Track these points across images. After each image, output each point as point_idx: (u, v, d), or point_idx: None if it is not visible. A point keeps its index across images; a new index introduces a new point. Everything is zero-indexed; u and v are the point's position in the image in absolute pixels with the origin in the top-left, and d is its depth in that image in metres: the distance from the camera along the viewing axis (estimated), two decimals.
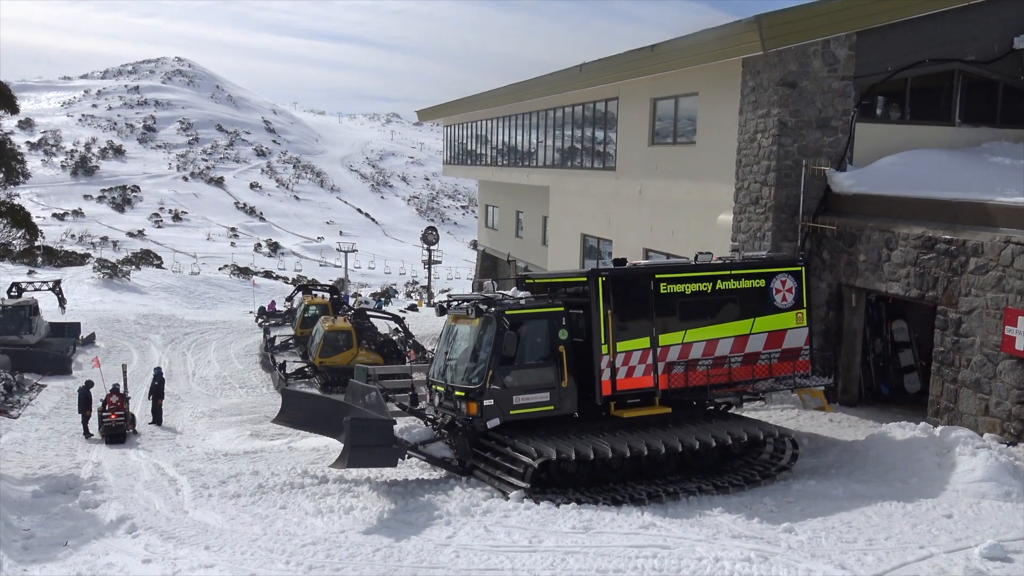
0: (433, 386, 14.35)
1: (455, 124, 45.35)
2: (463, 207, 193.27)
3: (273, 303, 48.70)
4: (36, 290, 39.01)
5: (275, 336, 35.49)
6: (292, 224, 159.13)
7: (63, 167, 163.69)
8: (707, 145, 20.63)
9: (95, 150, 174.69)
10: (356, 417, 12.98)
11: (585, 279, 13.67)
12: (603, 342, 13.24)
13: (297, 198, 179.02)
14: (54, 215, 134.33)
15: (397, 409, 15.91)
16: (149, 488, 15.23)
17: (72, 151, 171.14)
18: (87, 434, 21.15)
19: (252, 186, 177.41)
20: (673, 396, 13.72)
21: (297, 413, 14.88)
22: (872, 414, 16.90)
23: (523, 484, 12.14)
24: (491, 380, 13.06)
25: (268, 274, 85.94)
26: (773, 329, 14.26)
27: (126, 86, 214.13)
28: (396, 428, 13.28)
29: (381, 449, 12.73)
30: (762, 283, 14.30)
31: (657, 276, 13.72)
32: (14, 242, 19.14)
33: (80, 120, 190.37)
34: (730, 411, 15.00)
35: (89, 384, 22.39)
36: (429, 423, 14.39)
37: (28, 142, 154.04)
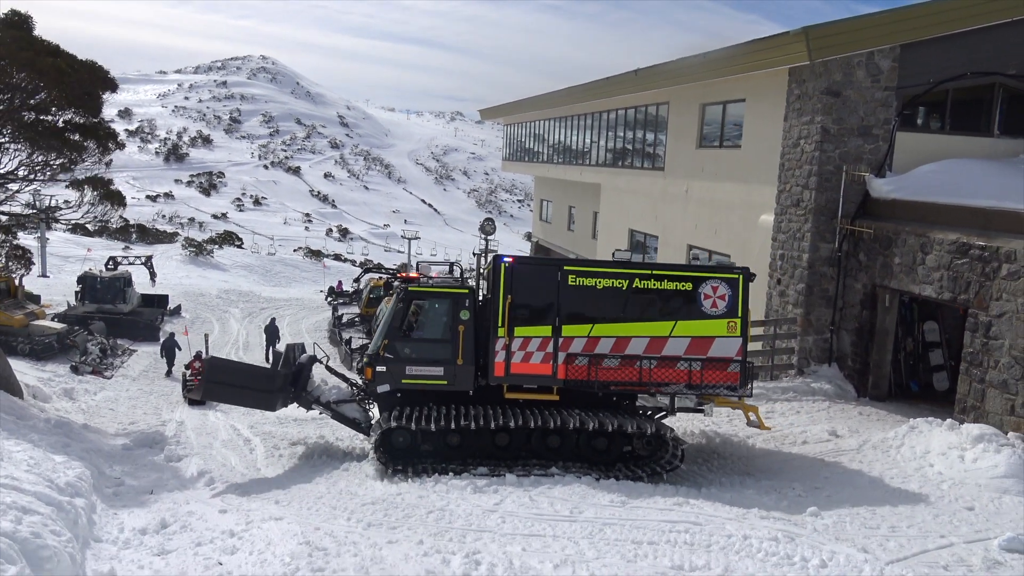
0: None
1: (515, 123, 45.38)
2: (519, 201, 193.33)
3: (341, 283, 49.41)
4: (130, 264, 40.22)
5: (343, 314, 36.03)
6: (361, 212, 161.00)
7: (157, 153, 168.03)
8: (752, 149, 20.40)
9: (186, 139, 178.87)
10: (215, 357, 14.85)
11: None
12: (500, 325, 12.94)
13: (366, 188, 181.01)
14: (147, 197, 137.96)
15: (329, 373, 15.78)
16: (226, 447, 15.71)
17: (165, 139, 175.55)
18: (169, 374, 24.01)
19: (326, 176, 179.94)
20: (572, 387, 13.00)
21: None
22: (901, 409, 16.59)
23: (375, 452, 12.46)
24: (385, 348, 13.30)
25: (338, 257, 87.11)
26: (698, 335, 13.01)
27: (215, 81, 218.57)
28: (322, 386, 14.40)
29: (257, 393, 14.10)
30: (688, 287, 13.08)
31: (566, 268, 13.21)
32: (112, 221, 19.76)
33: (173, 111, 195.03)
34: (661, 415, 13.79)
35: (172, 336, 23.90)
36: (351, 386, 14.66)
37: (127, 129, 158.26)
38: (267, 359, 23.23)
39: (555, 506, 10.33)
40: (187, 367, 21.74)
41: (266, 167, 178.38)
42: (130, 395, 21.83)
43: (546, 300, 13.04)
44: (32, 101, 16.10)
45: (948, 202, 15.70)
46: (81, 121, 16.78)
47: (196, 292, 44.16)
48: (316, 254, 79.15)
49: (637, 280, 13.09)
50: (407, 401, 13.29)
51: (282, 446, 15.48)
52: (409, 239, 73.15)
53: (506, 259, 13.12)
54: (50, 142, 16.31)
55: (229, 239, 79.23)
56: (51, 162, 16.76)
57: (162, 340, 28.09)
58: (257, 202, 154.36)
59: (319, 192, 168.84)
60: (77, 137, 16.67)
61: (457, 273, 14.77)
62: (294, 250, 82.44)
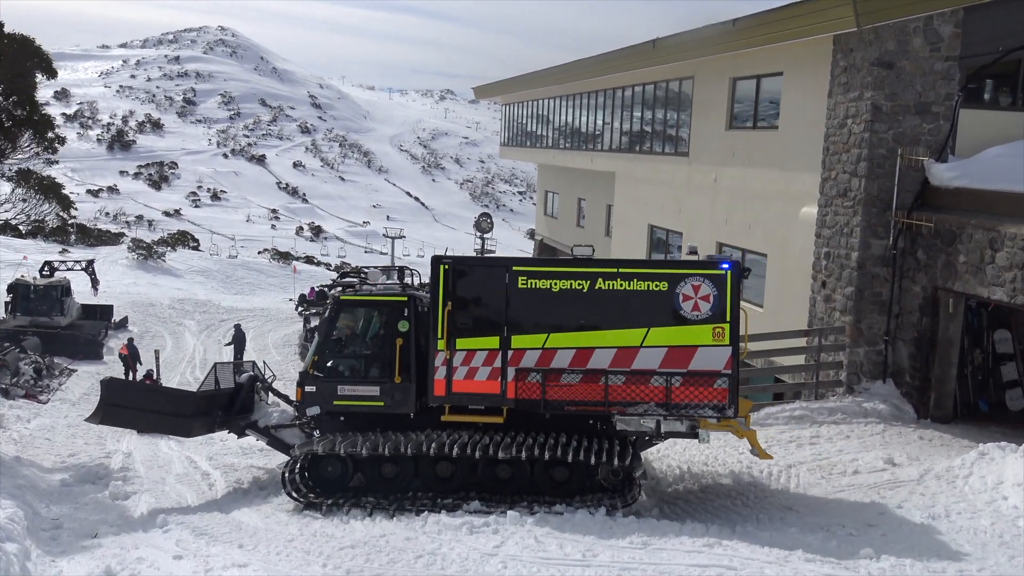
0: None
1: (514, 103, 45.44)
2: (520, 193, 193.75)
3: (313, 290, 49.43)
4: (69, 270, 40.26)
5: (315, 326, 36.05)
6: (336, 207, 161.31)
7: (99, 141, 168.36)
8: (791, 130, 20.40)
9: (132, 123, 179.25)
10: (110, 379, 15.50)
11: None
12: (439, 337, 12.81)
13: (342, 179, 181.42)
14: (88, 191, 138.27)
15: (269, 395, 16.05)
16: (181, 482, 15.67)
17: (108, 124, 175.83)
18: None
19: (295, 165, 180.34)
20: (524, 408, 12.76)
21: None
22: (968, 432, 16.56)
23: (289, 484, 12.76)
24: (314, 366, 13.51)
25: (310, 259, 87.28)
26: (676, 344, 12.48)
27: (166, 56, 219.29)
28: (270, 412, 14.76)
29: (166, 417, 14.66)
30: (663, 286, 12.56)
31: (515, 268, 12.96)
32: (47, 218, 19.79)
33: (118, 92, 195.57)
34: (650, 441, 13.66)
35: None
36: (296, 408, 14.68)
37: (64, 114, 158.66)
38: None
39: (565, 548, 10.31)
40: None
41: (226, 156, 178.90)
42: (69, 422, 21.80)
43: (492, 307, 12.88)
44: None
45: (1022, 191, 15.70)
46: (12, 108, 16.84)
47: (145, 302, 44.22)
48: (285, 256, 79.32)
49: (601, 280, 12.70)
50: (351, 425, 13.39)
51: (246, 480, 15.45)
52: (392, 238, 73.10)
53: (445, 259, 13.02)
54: None
55: (183, 240, 79.36)
56: None
57: (126, 343, 30.80)
58: (215, 196, 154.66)
59: (287, 184, 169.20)
60: (8, 124, 16.72)
61: (416, 281, 14.84)
62: (259, 252, 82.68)
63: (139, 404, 14.72)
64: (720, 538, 10.91)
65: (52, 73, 17.29)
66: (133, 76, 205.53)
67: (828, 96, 18.71)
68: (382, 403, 13.29)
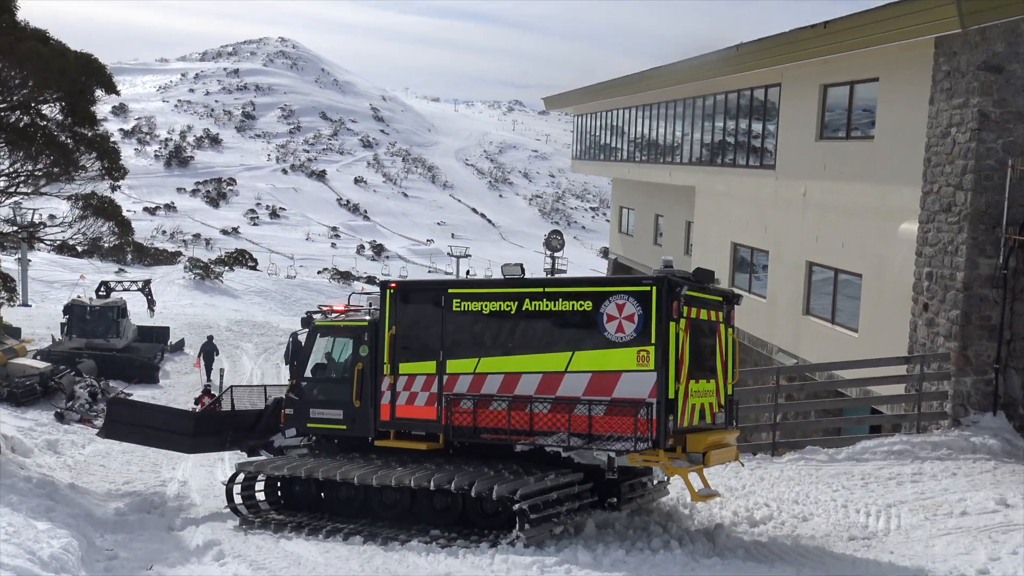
0: None
1: (587, 113, 45.51)
2: (593, 209, 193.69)
3: None
4: (125, 290, 41.48)
5: None
6: (399, 224, 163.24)
7: (156, 157, 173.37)
8: (888, 140, 20.06)
9: (190, 139, 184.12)
10: (115, 398, 18.10)
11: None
12: (385, 361, 13.60)
13: (405, 195, 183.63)
14: (145, 209, 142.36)
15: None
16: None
17: (166, 140, 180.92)
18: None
19: (356, 181, 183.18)
20: (456, 435, 13.18)
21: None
22: None
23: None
24: (292, 389, 15.03)
25: (371, 280, 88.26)
26: (601, 369, 12.16)
27: (225, 69, 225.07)
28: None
29: (172, 435, 16.69)
30: (588, 306, 12.29)
31: (450, 291, 13.41)
32: (104, 238, 20.42)
33: (176, 106, 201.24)
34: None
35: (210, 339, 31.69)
36: None
37: (121, 129, 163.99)
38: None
39: None
40: (196, 402, 22.53)
41: (285, 171, 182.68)
42: (124, 448, 22.30)
43: (430, 330, 13.42)
44: (14, 98, 16.79)
45: None
46: (75, 126, 17.46)
47: (202, 323, 45.19)
48: (345, 276, 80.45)
49: (527, 301, 12.76)
50: (322, 448, 14.97)
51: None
52: (457, 257, 73.96)
53: (391, 283, 13.88)
54: (37, 149, 16.97)
55: (241, 259, 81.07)
56: (37, 172, 17.44)
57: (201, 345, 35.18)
58: (274, 214, 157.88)
59: (348, 201, 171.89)
60: (72, 145, 17.37)
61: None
62: (318, 272, 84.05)
63: (142, 421, 16.91)
64: None
65: (113, 89, 17.97)
66: (192, 90, 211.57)
67: (929, 103, 18.36)
68: (344, 427, 14.37)
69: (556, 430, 12.41)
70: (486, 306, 13.01)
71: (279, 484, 14.49)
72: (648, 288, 12.02)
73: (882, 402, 19.27)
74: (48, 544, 10.29)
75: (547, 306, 12.64)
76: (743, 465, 16.60)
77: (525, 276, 13.41)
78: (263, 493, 14.60)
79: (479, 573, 10.89)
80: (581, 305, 12.40)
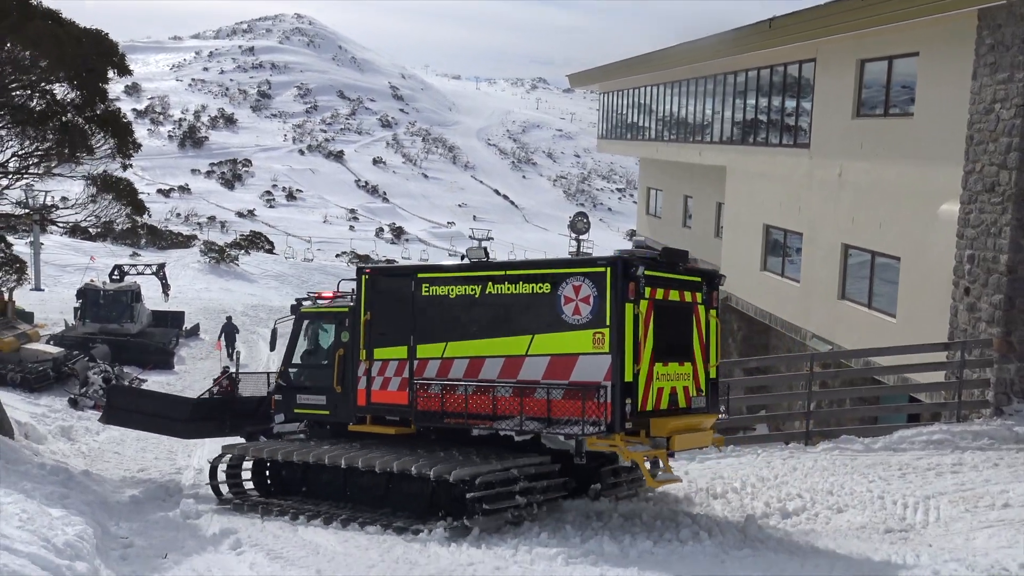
0: None
1: (614, 91, 45.34)
2: (619, 190, 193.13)
3: None
4: (139, 274, 41.73)
5: None
6: (419, 206, 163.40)
7: (170, 137, 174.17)
8: (928, 117, 19.88)
9: (204, 119, 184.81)
10: (115, 385, 18.92)
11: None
12: (361, 347, 14.01)
13: (425, 176, 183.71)
14: (159, 191, 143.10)
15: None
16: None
17: (180, 120, 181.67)
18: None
19: (375, 161, 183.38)
20: (426, 420, 13.54)
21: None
22: None
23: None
24: (280, 376, 15.69)
25: (391, 263, 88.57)
26: (559, 352, 12.29)
27: (240, 47, 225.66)
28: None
29: (169, 421, 17.52)
30: (546, 289, 12.43)
31: (419, 275, 13.73)
32: (117, 220, 20.52)
33: (190, 85, 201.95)
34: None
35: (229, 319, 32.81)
36: None
37: (134, 109, 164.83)
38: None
39: None
40: (214, 382, 22.75)
41: (302, 152, 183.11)
42: (138, 435, 22.51)
43: (401, 315, 13.73)
44: (25, 77, 16.86)
45: None
46: (86, 107, 17.53)
47: (217, 308, 45.49)
48: (364, 260, 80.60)
49: (490, 284, 13.02)
50: (312, 433, 15.43)
51: None
52: (479, 240, 73.84)
53: (365, 269, 14.34)
54: (47, 130, 17.05)
55: (257, 242, 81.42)
56: (51, 152, 17.52)
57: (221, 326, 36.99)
58: (291, 196, 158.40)
59: (367, 182, 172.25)
60: (87, 127, 17.45)
61: None
62: (336, 255, 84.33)
63: (140, 407, 17.81)
64: None
65: (126, 70, 18.07)
66: (206, 69, 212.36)
67: (972, 78, 18.16)
68: (327, 412, 14.85)
69: (516, 414, 12.63)
70: (452, 290, 13.38)
71: (267, 468, 14.98)
72: (603, 269, 12.10)
73: (921, 390, 19.15)
74: (63, 531, 10.40)
75: (508, 289, 12.90)
76: (720, 450, 16.77)
77: (489, 259, 13.81)
78: (251, 477, 15.25)
79: (502, 563, 10.92)
80: (540, 288, 12.61)
